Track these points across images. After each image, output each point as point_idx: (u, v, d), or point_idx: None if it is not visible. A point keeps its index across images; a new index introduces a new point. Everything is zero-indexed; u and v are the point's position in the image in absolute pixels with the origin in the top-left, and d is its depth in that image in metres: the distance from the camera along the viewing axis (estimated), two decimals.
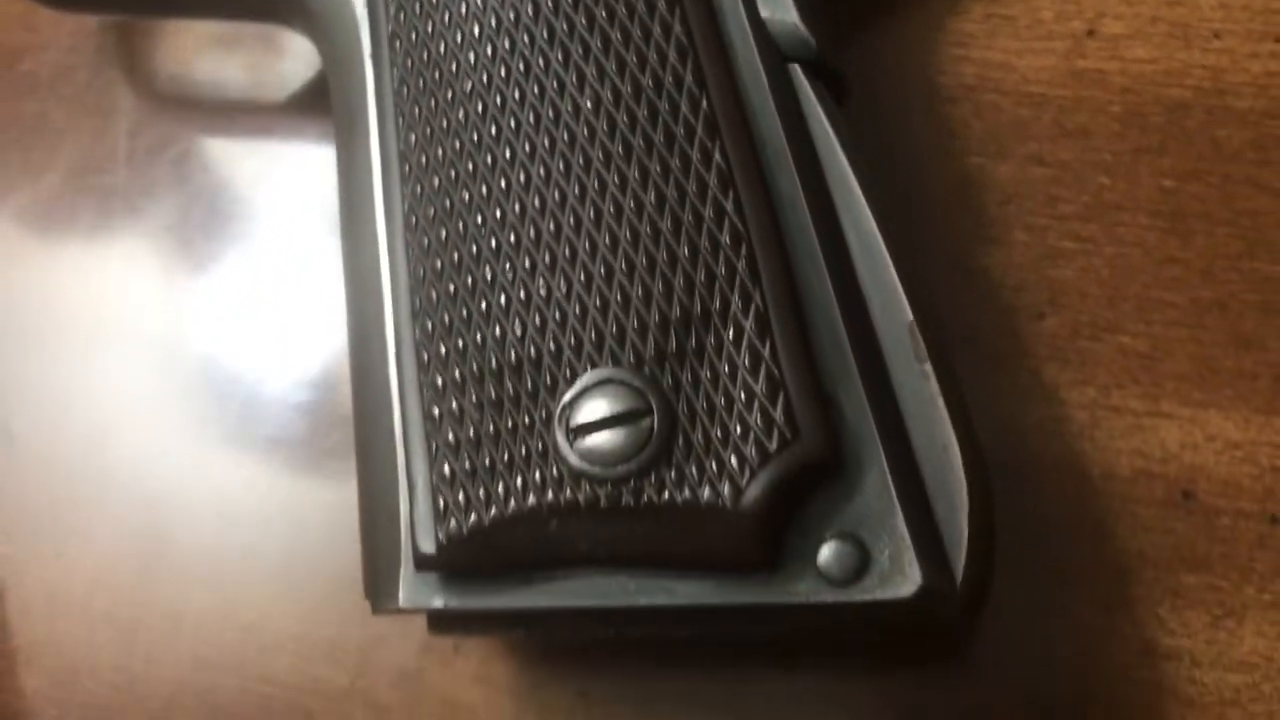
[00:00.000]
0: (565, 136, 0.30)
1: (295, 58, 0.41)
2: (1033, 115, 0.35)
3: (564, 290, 0.29)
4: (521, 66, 0.30)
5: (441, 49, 0.31)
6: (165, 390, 0.39)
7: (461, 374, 0.29)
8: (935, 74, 0.36)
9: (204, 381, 0.39)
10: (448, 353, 0.29)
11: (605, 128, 0.29)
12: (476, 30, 0.31)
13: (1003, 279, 0.34)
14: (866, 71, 0.35)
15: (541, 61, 0.30)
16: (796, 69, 0.30)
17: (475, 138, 0.30)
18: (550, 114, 0.30)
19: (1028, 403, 0.33)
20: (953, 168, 0.35)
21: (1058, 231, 0.34)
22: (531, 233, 0.29)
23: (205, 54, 0.42)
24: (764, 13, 0.31)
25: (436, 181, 0.30)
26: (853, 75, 0.33)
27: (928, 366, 0.28)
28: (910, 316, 0.29)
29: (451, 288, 0.29)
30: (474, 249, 0.30)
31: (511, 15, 0.31)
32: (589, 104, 0.30)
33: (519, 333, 0.29)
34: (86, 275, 0.40)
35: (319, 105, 0.40)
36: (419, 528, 0.29)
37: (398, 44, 0.32)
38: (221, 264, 0.40)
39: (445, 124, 0.30)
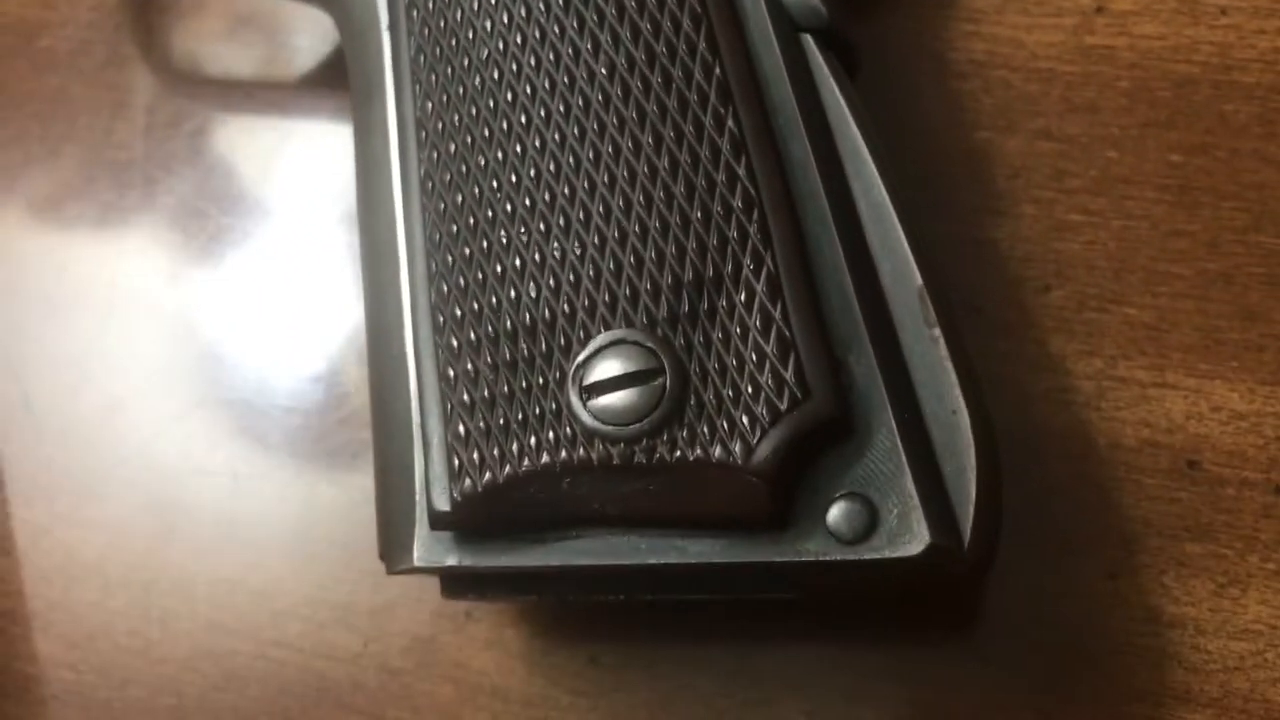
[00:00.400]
0: (580, 102, 0.30)
1: (310, 34, 0.42)
2: (1041, 90, 0.36)
3: (578, 253, 0.29)
4: (537, 33, 0.31)
5: (458, 16, 0.31)
6: (180, 360, 0.39)
7: (477, 335, 0.29)
8: (945, 49, 0.36)
9: (219, 351, 0.39)
10: (463, 315, 0.29)
11: (620, 93, 0.30)
12: None
13: (1010, 251, 0.34)
14: (878, 46, 0.35)
15: (557, 27, 0.30)
16: (808, 39, 0.31)
17: (491, 103, 0.30)
18: (565, 80, 0.30)
19: (1035, 373, 0.33)
20: (962, 142, 0.35)
21: (1065, 205, 0.35)
22: (546, 197, 0.30)
23: (221, 31, 0.43)
24: None
25: (452, 147, 0.31)
26: (864, 49, 0.33)
27: (937, 331, 0.29)
28: (920, 281, 0.29)
29: (467, 251, 0.30)
30: (489, 213, 0.30)
31: None
32: (604, 70, 0.30)
33: (533, 295, 0.29)
34: (104, 247, 0.41)
35: (333, 81, 0.40)
36: (434, 487, 0.29)
37: (415, 13, 0.32)
38: (237, 236, 0.40)
39: (461, 90, 0.31)
